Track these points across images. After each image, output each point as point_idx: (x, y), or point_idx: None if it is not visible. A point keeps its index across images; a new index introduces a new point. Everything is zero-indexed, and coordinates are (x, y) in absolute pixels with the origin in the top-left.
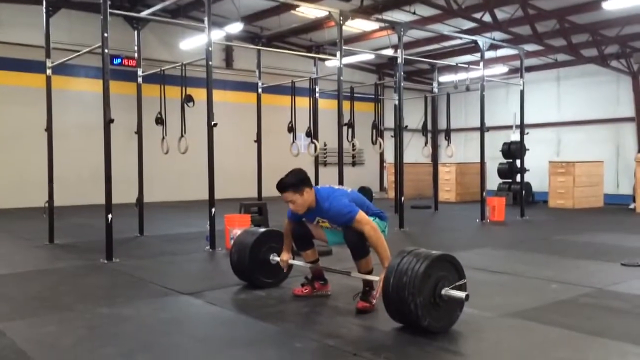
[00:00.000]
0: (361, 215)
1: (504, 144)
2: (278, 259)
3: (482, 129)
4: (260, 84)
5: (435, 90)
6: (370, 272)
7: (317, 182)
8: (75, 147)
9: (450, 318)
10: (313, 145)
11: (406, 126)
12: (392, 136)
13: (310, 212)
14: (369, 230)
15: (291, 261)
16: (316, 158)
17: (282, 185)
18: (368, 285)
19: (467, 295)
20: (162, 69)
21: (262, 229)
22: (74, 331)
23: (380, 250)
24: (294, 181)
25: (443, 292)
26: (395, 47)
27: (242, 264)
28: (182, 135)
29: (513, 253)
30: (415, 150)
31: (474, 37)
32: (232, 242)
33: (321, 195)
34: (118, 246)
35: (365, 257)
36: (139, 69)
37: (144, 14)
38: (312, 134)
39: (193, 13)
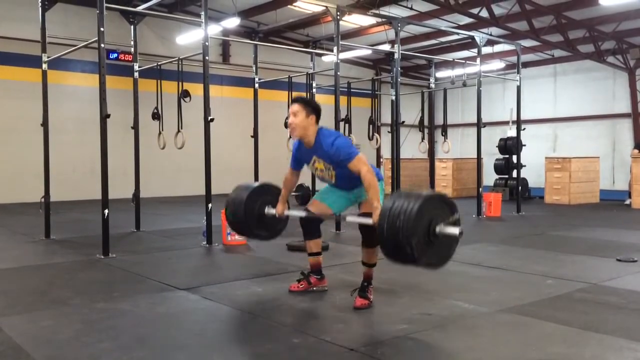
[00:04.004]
0: (362, 156)
1: (501, 139)
2: (273, 211)
3: (479, 124)
4: (257, 79)
5: (432, 85)
6: (373, 266)
7: (313, 178)
8: (72, 142)
9: (447, 253)
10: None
11: (403, 122)
12: (388, 132)
13: (308, 150)
14: (365, 172)
15: (287, 212)
16: None
17: (299, 98)
18: (366, 280)
19: (461, 232)
20: (159, 63)
21: (256, 184)
22: (70, 326)
23: (373, 192)
24: (311, 104)
25: (437, 229)
26: (392, 43)
27: (237, 218)
28: (178, 130)
29: (509, 248)
30: (412, 146)
31: (470, 33)
32: (225, 202)
33: (326, 133)
34: (114, 241)
35: (374, 248)
36: (135, 64)
37: (140, 8)
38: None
39: (190, 7)
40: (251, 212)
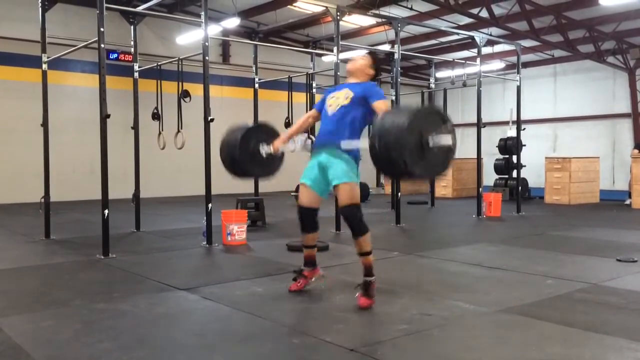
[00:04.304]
0: (387, 103)
1: (501, 139)
2: (267, 149)
3: (479, 124)
4: (257, 79)
5: (432, 85)
6: (369, 253)
7: None
8: (72, 142)
9: (443, 164)
10: (310, 141)
11: None
12: None
13: (343, 85)
14: (385, 110)
15: (282, 148)
16: None
17: (372, 52)
18: (367, 272)
19: (454, 142)
20: (159, 64)
21: (250, 124)
22: (70, 326)
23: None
24: (377, 60)
25: (430, 141)
26: (392, 43)
27: (232, 158)
28: (178, 131)
29: (509, 249)
30: None
31: (470, 33)
32: (220, 144)
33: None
34: (114, 242)
35: (363, 236)
36: (135, 64)
37: (140, 8)
38: (309, 129)
39: (190, 8)
40: (245, 151)
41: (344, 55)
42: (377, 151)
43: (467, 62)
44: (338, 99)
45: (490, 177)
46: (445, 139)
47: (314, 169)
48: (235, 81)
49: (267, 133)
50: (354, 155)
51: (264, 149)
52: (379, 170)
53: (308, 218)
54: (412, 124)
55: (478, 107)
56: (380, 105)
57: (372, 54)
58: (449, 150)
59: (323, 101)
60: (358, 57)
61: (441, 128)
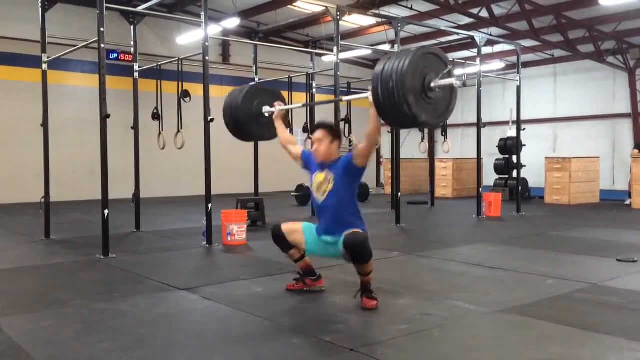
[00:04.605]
0: (362, 144)
1: (501, 139)
2: (269, 108)
3: (479, 124)
4: (257, 79)
5: None
6: (371, 273)
7: None
8: (72, 142)
9: (447, 107)
10: (310, 141)
11: None
12: (388, 132)
13: (323, 164)
14: (363, 145)
15: (285, 107)
16: None
17: (322, 124)
18: (368, 283)
19: (457, 81)
20: (159, 64)
21: (252, 86)
22: (70, 326)
23: (368, 129)
24: (333, 128)
25: (432, 84)
26: (392, 43)
27: (235, 119)
28: (178, 131)
29: (509, 249)
30: (412, 146)
31: (470, 33)
32: (223, 106)
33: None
34: (114, 242)
35: (369, 262)
36: (135, 64)
37: (140, 8)
38: (309, 129)
39: (190, 8)
40: (248, 112)
41: (344, 55)
42: (380, 99)
43: (467, 62)
44: (322, 185)
45: (490, 177)
46: (448, 81)
47: (317, 239)
48: (236, 81)
49: (269, 95)
50: (362, 228)
51: (267, 110)
52: (386, 121)
53: (282, 241)
54: (413, 66)
55: (478, 107)
56: (360, 148)
57: (323, 126)
58: (452, 90)
59: (305, 157)
60: (316, 139)
61: (441, 68)
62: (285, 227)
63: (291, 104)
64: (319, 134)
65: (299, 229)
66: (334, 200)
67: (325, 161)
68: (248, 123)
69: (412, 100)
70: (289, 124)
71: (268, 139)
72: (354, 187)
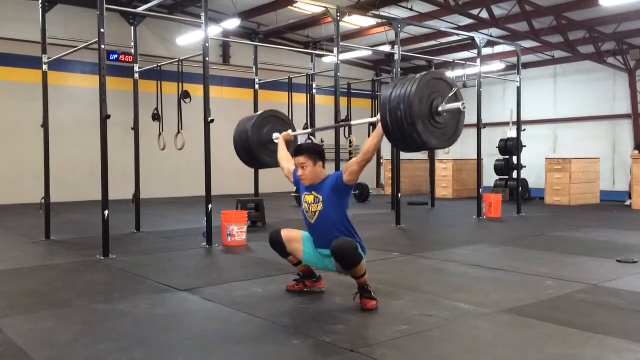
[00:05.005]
0: (352, 162)
1: (501, 140)
2: (279, 135)
3: (479, 125)
4: (257, 80)
5: None
6: (364, 275)
7: None
8: (72, 143)
9: (455, 129)
10: (310, 142)
11: None
12: None
13: (310, 185)
14: (358, 160)
15: (293, 133)
16: None
17: (301, 149)
18: (365, 285)
19: (463, 104)
20: (159, 65)
21: (261, 113)
22: (70, 327)
23: (369, 143)
24: (314, 150)
25: (440, 108)
26: (392, 44)
27: (246, 145)
28: (179, 132)
29: (509, 249)
30: None
31: (471, 34)
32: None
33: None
34: (115, 242)
35: (358, 266)
36: (135, 65)
37: (140, 9)
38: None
39: (190, 9)
40: (258, 139)
41: (344, 56)
42: (390, 128)
43: (467, 63)
44: (311, 206)
45: (490, 178)
46: (455, 105)
47: (315, 251)
48: (236, 82)
49: (279, 123)
50: (361, 246)
51: (277, 137)
52: (395, 147)
53: (281, 248)
54: (420, 94)
55: (478, 108)
56: (349, 170)
57: (302, 150)
58: (459, 113)
59: (297, 180)
60: (299, 165)
61: (447, 92)
62: (285, 234)
63: (291, 106)
64: (301, 159)
65: (299, 239)
66: (325, 221)
67: (313, 184)
68: (258, 150)
69: (421, 129)
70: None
71: (274, 166)
72: (344, 204)
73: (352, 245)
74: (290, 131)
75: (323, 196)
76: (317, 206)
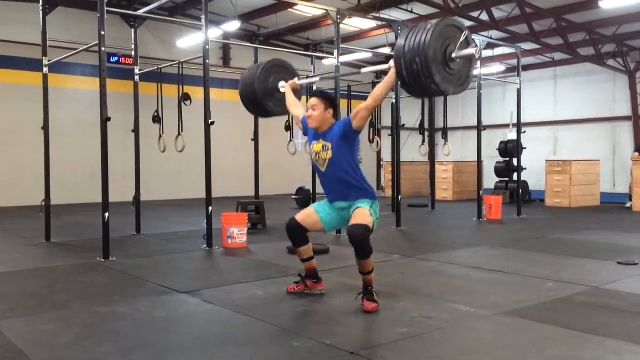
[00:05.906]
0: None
1: (501, 142)
2: (285, 83)
3: (479, 127)
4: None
5: None
6: (371, 272)
7: (314, 181)
8: (72, 145)
9: (468, 73)
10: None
11: (403, 125)
12: (389, 135)
13: (319, 132)
14: (368, 105)
15: (299, 82)
16: None
17: (318, 92)
18: (369, 285)
19: (477, 49)
20: (159, 67)
21: (268, 62)
22: (70, 329)
23: (380, 89)
24: (329, 98)
25: (454, 55)
26: (392, 46)
27: (251, 94)
28: (179, 134)
29: (510, 252)
30: (413, 149)
31: None
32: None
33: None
34: (115, 245)
35: (369, 259)
36: (136, 67)
37: (141, 12)
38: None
39: (190, 11)
40: (264, 88)
41: (344, 59)
42: (405, 79)
43: None
44: (320, 154)
45: (490, 180)
46: (468, 51)
47: (330, 209)
48: (236, 84)
49: (285, 72)
50: (371, 194)
51: (283, 86)
52: (409, 92)
53: (297, 232)
54: (434, 44)
55: (478, 110)
56: (359, 115)
57: (317, 93)
58: (472, 59)
59: (306, 125)
60: (311, 106)
61: (459, 37)
62: (299, 216)
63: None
64: (313, 100)
65: (312, 212)
66: (336, 168)
67: (320, 129)
68: (264, 99)
69: (438, 79)
70: (289, 127)
71: (284, 115)
72: (353, 152)
73: (366, 236)
74: (296, 79)
75: (332, 143)
76: (327, 154)
